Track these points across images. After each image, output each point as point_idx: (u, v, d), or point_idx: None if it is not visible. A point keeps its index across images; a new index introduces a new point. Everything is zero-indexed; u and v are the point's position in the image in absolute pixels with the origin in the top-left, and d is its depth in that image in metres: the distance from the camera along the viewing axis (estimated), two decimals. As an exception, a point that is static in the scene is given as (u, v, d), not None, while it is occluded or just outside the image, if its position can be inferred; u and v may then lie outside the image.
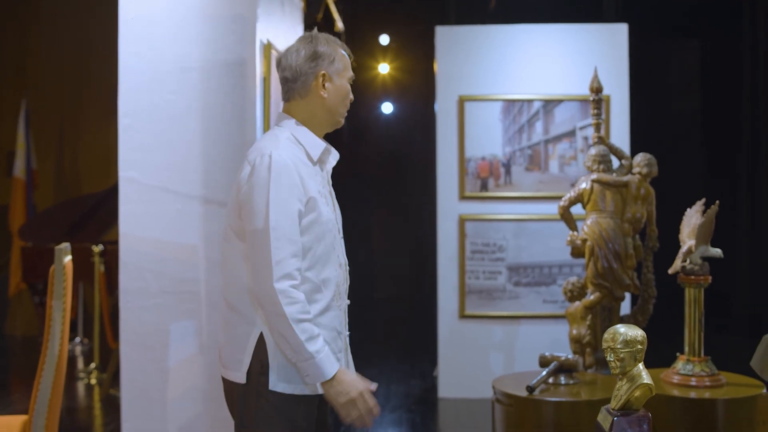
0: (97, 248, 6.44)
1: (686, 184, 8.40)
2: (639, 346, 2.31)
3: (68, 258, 3.13)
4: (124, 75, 4.07)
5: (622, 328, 2.33)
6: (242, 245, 2.46)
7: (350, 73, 2.65)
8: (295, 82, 2.57)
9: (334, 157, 2.70)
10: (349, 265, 2.68)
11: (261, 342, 2.45)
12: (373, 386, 2.48)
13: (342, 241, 2.65)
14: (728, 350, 4.98)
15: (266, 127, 4.11)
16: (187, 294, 3.98)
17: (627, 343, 2.30)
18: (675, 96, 9.14)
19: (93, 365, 6.51)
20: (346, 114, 2.67)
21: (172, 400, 3.99)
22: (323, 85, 2.57)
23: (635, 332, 2.32)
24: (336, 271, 2.55)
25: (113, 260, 6.13)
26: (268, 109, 4.12)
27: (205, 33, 4.06)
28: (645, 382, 2.28)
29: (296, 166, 2.45)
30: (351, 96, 2.65)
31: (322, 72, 2.57)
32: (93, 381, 6.38)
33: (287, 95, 2.61)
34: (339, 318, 2.56)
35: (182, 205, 4.01)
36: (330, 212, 2.55)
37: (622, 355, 2.30)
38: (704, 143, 9.03)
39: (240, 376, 2.45)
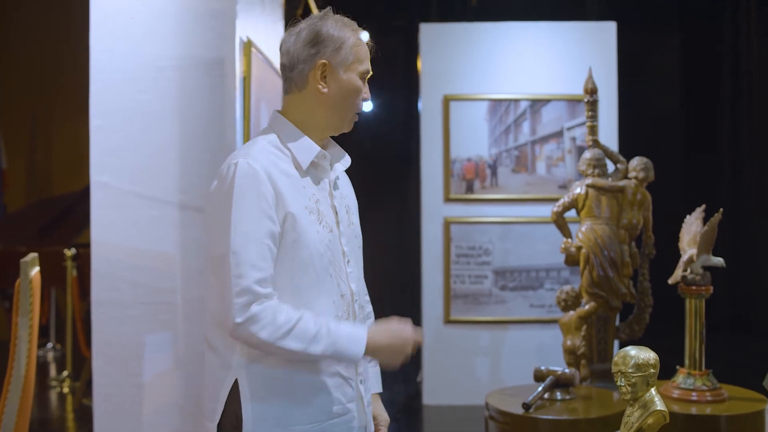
0: (70, 252, 6.23)
1: (674, 186, 8.30)
2: (652, 370, 2.14)
3: (35, 270, 2.93)
4: (96, 73, 3.87)
5: (632, 351, 2.17)
6: None
7: (365, 67, 2.20)
8: (292, 71, 2.17)
9: (341, 162, 2.29)
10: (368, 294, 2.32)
11: (235, 390, 2.05)
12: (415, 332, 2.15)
13: (351, 266, 2.21)
14: (710, 348, 4.87)
15: (246, 129, 3.93)
16: (163, 305, 3.79)
17: (639, 366, 2.14)
18: (662, 93, 9.04)
19: (65, 373, 6.29)
20: (356, 117, 2.24)
21: (148, 416, 3.79)
22: (323, 78, 2.15)
23: (647, 355, 2.16)
24: (335, 303, 2.12)
25: (86, 264, 5.91)
26: (248, 110, 3.94)
27: (182, 29, 3.87)
28: (659, 408, 2.12)
29: (270, 175, 2.03)
30: (366, 94, 2.21)
31: (323, 61, 2.14)
32: (66, 390, 6.17)
33: (285, 86, 2.21)
34: None
35: (157, 210, 3.81)
36: (323, 232, 2.11)
37: (633, 380, 2.14)
38: (690, 143, 8.94)
39: (212, 428, 2.07)
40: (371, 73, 2.24)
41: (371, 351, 2.07)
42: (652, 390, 2.16)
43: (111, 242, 3.80)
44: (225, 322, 1.98)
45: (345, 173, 2.37)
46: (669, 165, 8.54)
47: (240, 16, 3.92)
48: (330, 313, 2.10)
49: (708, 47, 8.68)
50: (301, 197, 2.09)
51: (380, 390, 2.44)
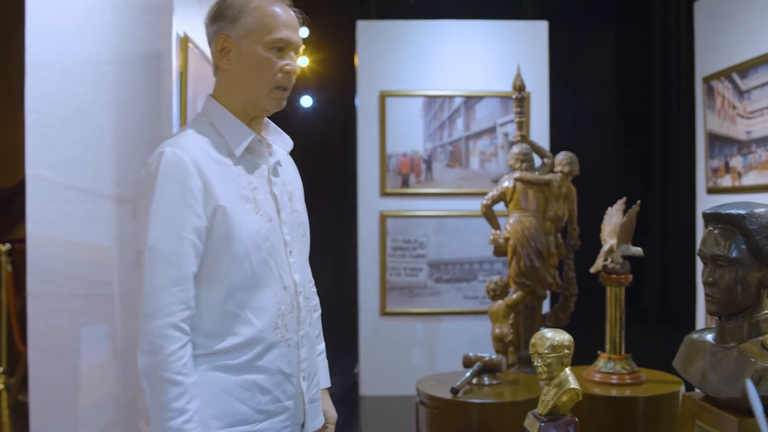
0: (4, 247, 6.17)
1: (603, 181, 8.53)
2: (566, 351, 2.28)
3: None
4: (31, 67, 3.85)
5: (549, 333, 2.30)
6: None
7: (275, 36, 1.97)
8: (210, 51, 2.05)
9: (282, 146, 2.15)
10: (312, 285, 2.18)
11: None
12: None
13: (295, 256, 2.07)
14: (641, 339, 5.07)
15: (182, 124, 3.97)
16: (99, 297, 3.80)
17: (554, 348, 2.27)
18: (592, 92, 9.27)
19: (0, 369, 6.23)
20: (279, 92, 2.01)
21: (85, 408, 3.81)
22: (226, 54, 2.00)
23: (562, 337, 2.29)
24: (276, 296, 1.98)
25: (21, 259, 5.88)
26: (184, 105, 3.98)
27: (118, 24, 3.88)
28: (572, 387, 2.25)
29: (199, 165, 1.89)
30: (285, 66, 1.99)
31: (222, 35, 1.99)
32: (0, 386, 6.11)
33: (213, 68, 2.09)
34: (287, 356, 2.00)
35: (94, 204, 3.83)
36: (261, 222, 1.97)
37: (549, 360, 2.27)
38: (620, 140, 9.18)
39: (148, 430, 1.91)
40: (291, 42, 2.01)
41: None
42: (567, 370, 2.29)
43: (47, 235, 3.81)
44: (139, 316, 1.86)
45: (290, 158, 2.26)
46: (600, 160, 8.79)
47: (177, 11, 3.95)
48: (273, 307, 1.98)
49: (640, 46, 8.91)
50: (234, 186, 1.96)
51: (328, 385, 2.35)
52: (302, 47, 2.06)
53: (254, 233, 1.95)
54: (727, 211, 2.24)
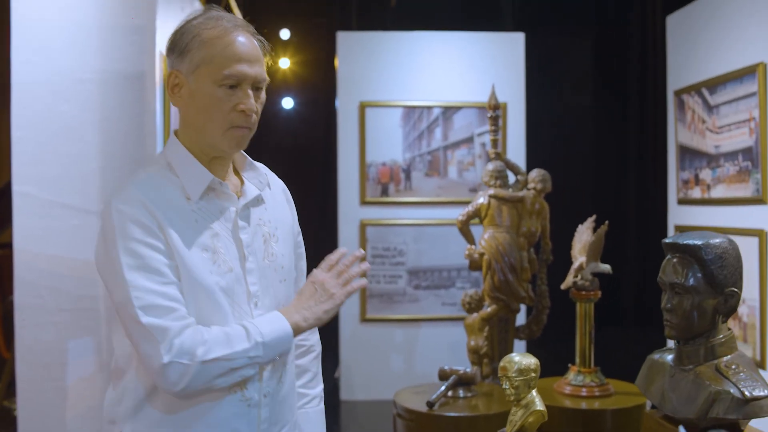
0: (-12, 254, 6.21)
1: (579, 189, 8.63)
2: (532, 374, 2.40)
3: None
4: (17, 84, 3.93)
5: (516, 357, 2.42)
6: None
7: (226, 71, 1.77)
8: None
9: (256, 185, 1.93)
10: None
11: None
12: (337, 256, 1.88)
13: (262, 308, 1.85)
14: (616, 346, 5.19)
15: (166, 141, 4.05)
16: (85, 311, 3.89)
17: (521, 371, 2.39)
18: (569, 102, 9.34)
19: (-16, 375, 6.27)
20: (235, 133, 1.80)
21: (72, 420, 3.90)
22: (178, 91, 1.83)
23: (529, 360, 2.41)
24: None
25: (6, 265, 5.90)
26: (168, 123, 4.07)
27: (103, 43, 3.96)
28: (538, 408, 2.38)
29: (149, 210, 1.73)
30: (239, 105, 1.78)
31: (174, 71, 1.83)
32: (-16, 391, 6.16)
33: None
34: (246, 416, 1.82)
35: (79, 220, 3.91)
36: (218, 273, 1.77)
37: (516, 383, 2.39)
38: (596, 149, 9.27)
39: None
40: (246, 77, 1.81)
41: (298, 316, 1.80)
42: (534, 392, 2.42)
43: (33, 250, 3.88)
44: (152, 367, 1.70)
45: (283, 189, 2.09)
46: (576, 168, 8.90)
47: (160, 30, 4.03)
48: None
49: (617, 57, 8.98)
50: (192, 232, 1.78)
51: None
52: (266, 81, 1.86)
53: (209, 285, 1.77)
54: (685, 242, 2.36)
